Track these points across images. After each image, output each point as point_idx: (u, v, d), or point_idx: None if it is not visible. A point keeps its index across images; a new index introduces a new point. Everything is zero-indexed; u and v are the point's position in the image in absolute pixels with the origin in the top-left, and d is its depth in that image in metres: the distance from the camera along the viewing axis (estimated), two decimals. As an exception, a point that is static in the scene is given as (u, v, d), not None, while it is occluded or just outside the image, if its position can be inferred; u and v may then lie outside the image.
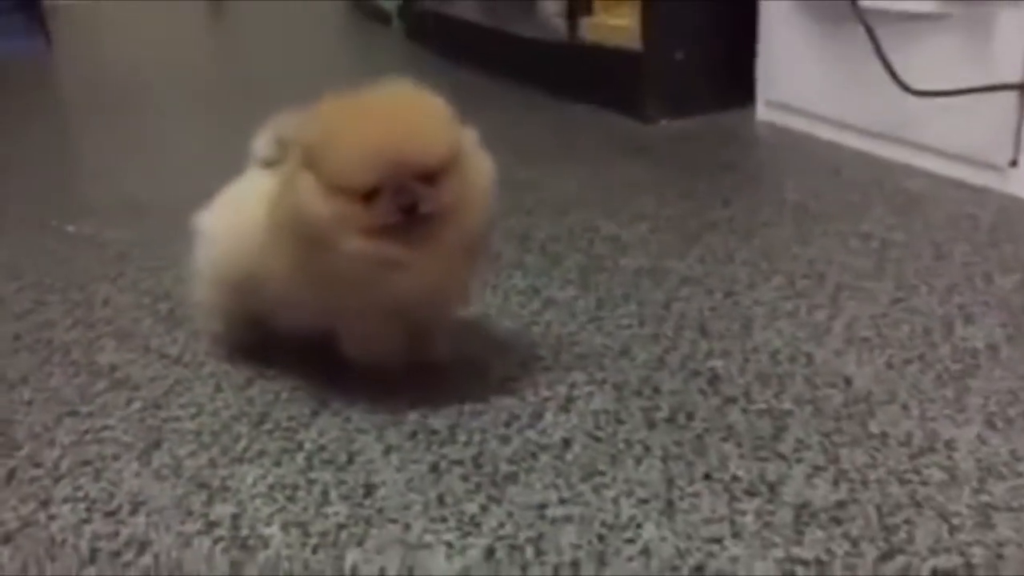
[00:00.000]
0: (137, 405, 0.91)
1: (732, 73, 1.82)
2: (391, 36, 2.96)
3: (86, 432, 0.87)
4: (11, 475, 0.81)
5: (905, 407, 0.85)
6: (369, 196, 0.80)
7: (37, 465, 0.82)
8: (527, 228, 1.29)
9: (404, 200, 0.80)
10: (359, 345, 0.90)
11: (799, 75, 1.68)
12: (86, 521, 0.75)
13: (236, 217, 0.92)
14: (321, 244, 0.81)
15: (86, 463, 0.82)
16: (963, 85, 1.37)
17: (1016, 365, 0.91)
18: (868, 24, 1.46)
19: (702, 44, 1.82)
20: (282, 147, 0.88)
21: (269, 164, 0.90)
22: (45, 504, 0.77)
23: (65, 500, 0.77)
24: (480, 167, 0.87)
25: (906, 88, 1.42)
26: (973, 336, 0.97)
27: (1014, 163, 1.36)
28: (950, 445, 0.80)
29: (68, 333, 1.06)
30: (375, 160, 0.80)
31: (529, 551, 0.69)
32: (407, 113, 0.83)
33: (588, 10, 1.98)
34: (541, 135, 1.77)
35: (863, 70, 1.53)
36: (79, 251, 1.29)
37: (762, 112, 1.79)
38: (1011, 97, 1.34)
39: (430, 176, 0.81)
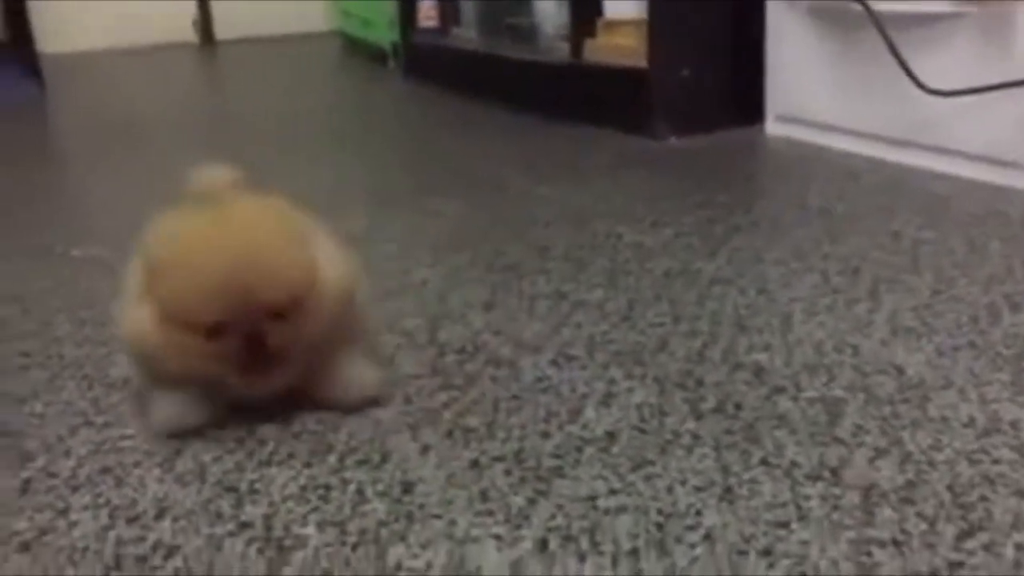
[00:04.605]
0: (156, 415, 0.87)
1: (740, 88, 1.81)
2: (389, 73, 2.95)
3: (103, 442, 0.82)
4: (26, 486, 0.76)
5: (962, 391, 0.82)
6: (212, 330, 0.75)
7: (53, 475, 0.78)
8: (546, 240, 1.26)
9: (252, 338, 0.76)
10: (159, 412, 0.83)
11: (809, 87, 1.67)
12: (109, 527, 0.70)
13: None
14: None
15: (105, 471, 0.78)
16: (982, 84, 1.35)
17: (1071, 348, 0.88)
18: (883, 28, 1.45)
19: (709, 61, 1.81)
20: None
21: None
22: (64, 512, 0.72)
23: (85, 508, 0.73)
24: (330, 278, 0.79)
25: (924, 88, 1.41)
26: (1022, 323, 0.94)
27: (1038, 161, 1.34)
28: (1016, 425, 0.76)
29: (79, 349, 1.02)
30: (219, 298, 0.74)
31: (584, 541, 0.65)
32: (255, 242, 0.76)
33: (591, 31, 1.97)
34: (552, 155, 1.75)
35: (877, 77, 1.51)
36: (85, 273, 1.25)
37: (772, 126, 1.77)
38: (1032, 94, 1.32)
39: (280, 311, 0.76)
